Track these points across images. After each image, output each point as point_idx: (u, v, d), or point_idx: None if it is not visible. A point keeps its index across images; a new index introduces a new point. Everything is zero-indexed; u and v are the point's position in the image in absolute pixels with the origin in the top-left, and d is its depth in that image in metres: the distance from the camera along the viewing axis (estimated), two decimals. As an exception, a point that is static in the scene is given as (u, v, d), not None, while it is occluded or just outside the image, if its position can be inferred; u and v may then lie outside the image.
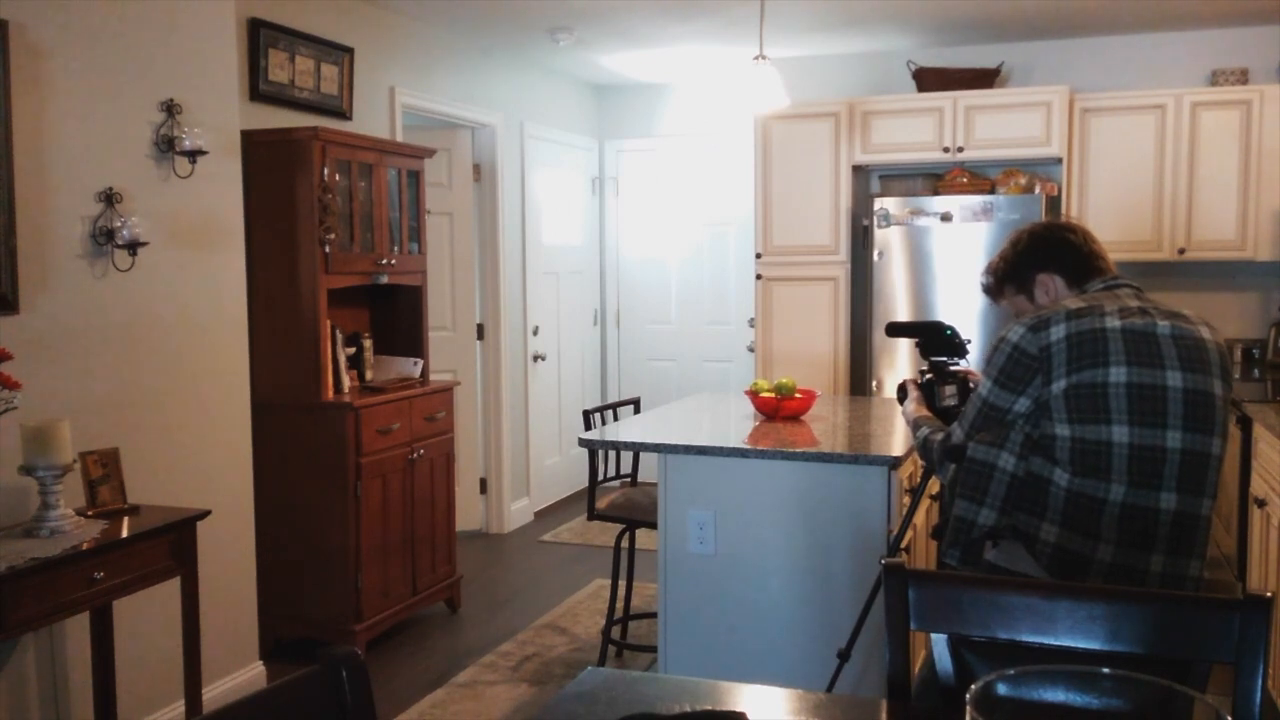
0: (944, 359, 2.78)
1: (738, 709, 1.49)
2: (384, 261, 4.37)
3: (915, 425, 2.52)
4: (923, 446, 2.42)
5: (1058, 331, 2.09)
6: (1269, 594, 1.48)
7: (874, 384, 5.52)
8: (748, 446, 3.22)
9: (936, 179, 5.61)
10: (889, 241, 5.40)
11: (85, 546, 2.67)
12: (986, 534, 2.12)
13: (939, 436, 2.35)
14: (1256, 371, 5.20)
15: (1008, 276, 2.41)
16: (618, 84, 6.97)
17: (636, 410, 4.41)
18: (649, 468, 3.95)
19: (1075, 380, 2.04)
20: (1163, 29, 5.54)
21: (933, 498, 2.96)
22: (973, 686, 0.95)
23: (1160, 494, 2.01)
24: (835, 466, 3.12)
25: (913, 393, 2.66)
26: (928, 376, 2.77)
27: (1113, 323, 2.09)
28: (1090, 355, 2.05)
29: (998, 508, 2.12)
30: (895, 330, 3.10)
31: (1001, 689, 0.98)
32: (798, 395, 3.69)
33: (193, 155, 3.37)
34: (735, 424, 3.77)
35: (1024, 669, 1.00)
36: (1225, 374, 2.10)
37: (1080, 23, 5.40)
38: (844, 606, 3.10)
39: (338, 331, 4.27)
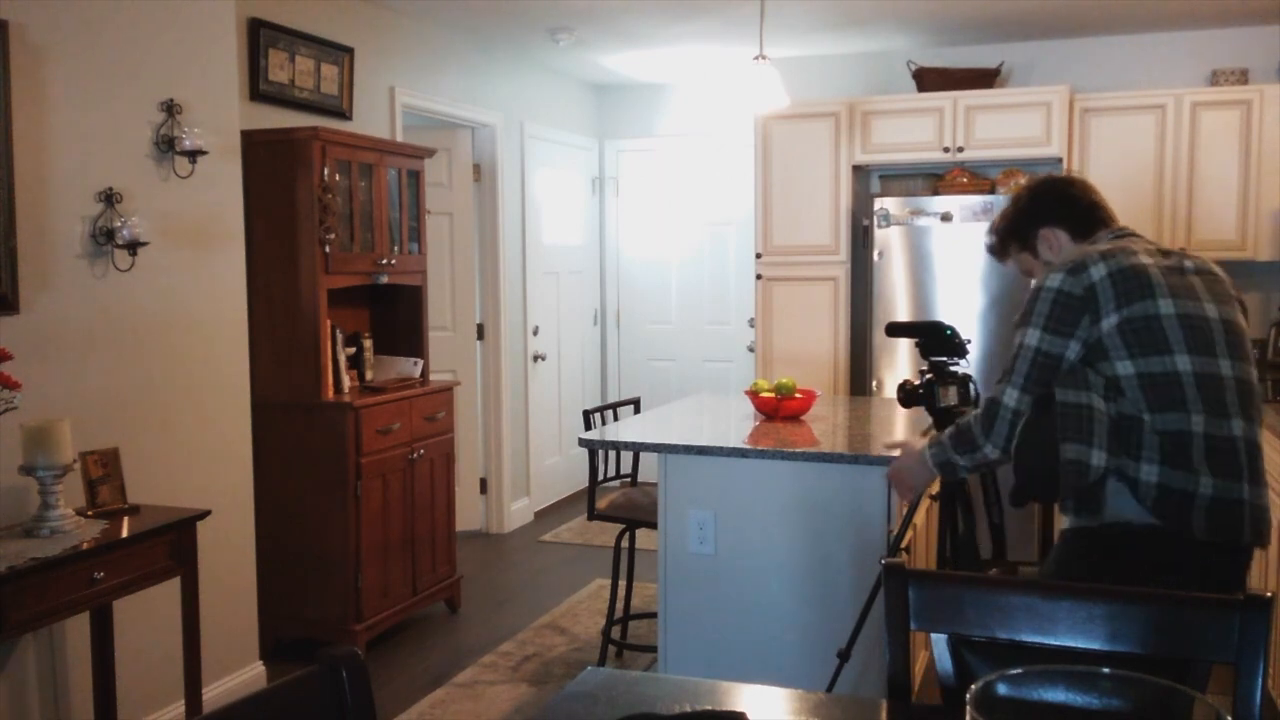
0: (944, 359, 2.78)
1: (738, 709, 1.49)
2: (384, 261, 4.37)
3: (932, 456, 2.31)
4: (954, 439, 2.23)
5: (1098, 271, 2.06)
6: (1269, 594, 1.48)
7: (874, 384, 5.52)
8: (748, 446, 3.22)
9: (936, 179, 5.61)
10: (889, 241, 5.40)
11: (85, 546, 2.67)
12: (1101, 478, 2.00)
13: (957, 426, 2.23)
14: (1256, 372, 5.20)
15: (1011, 233, 2.38)
16: (618, 84, 6.98)
17: (636, 410, 4.41)
18: (649, 468, 3.95)
19: (1127, 314, 2.02)
20: (1163, 29, 5.54)
21: (932, 498, 2.96)
22: (973, 686, 0.95)
23: (1231, 421, 2.00)
24: (835, 466, 3.11)
25: (907, 444, 2.52)
26: (928, 376, 2.77)
27: (1146, 259, 2.10)
28: (1137, 289, 2.04)
29: (1106, 448, 1.99)
30: (895, 330, 3.10)
31: (1001, 689, 0.98)
32: (798, 395, 3.69)
33: (193, 155, 3.37)
34: (735, 424, 3.77)
35: (1024, 669, 1.00)
36: (1242, 306, 2.18)
37: (1080, 23, 5.40)
38: (844, 606, 3.10)
39: (338, 331, 4.27)
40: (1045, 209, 2.32)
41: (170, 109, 3.34)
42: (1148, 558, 1.98)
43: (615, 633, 4.16)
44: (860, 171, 5.78)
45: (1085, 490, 2.00)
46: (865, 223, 5.60)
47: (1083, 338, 2.05)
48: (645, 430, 3.53)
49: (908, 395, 2.80)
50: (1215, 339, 2.04)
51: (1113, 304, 2.03)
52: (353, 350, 4.48)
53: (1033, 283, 2.19)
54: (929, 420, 2.95)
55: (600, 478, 4.03)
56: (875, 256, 5.44)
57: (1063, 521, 2.15)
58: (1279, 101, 5.10)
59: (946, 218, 5.28)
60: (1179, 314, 2.03)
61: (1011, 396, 2.11)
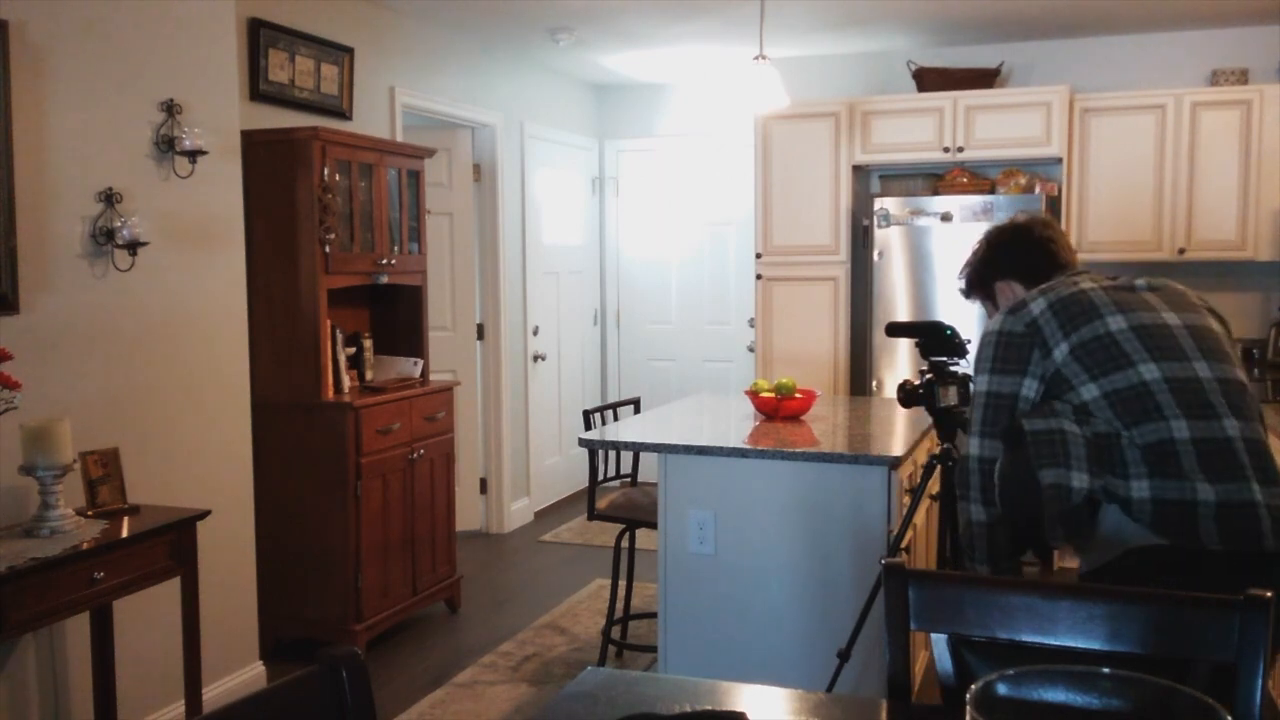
0: (944, 359, 2.79)
1: (738, 709, 1.49)
2: (384, 261, 4.37)
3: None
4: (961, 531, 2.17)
5: (1038, 306, 2.07)
6: (1268, 594, 1.48)
7: (874, 384, 5.52)
8: (748, 446, 3.22)
9: (936, 179, 5.61)
10: (889, 241, 5.40)
11: (85, 546, 2.67)
12: (1086, 500, 1.91)
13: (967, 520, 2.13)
14: (1257, 371, 5.20)
15: (973, 283, 2.43)
16: (618, 84, 6.98)
17: (636, 410, 4.41)
18: (649, 468, 3.95)
19: (1077, 340, 2.00)
20: (1163, 29, 5.54)
21: (933, 498, 2.96)
22: (973, 686, 0.95)
23: (1222, 422, 1.91)
24: (835, 466, 3.11)
25: None
26: (927, 376, 2.78)
27: (1089, 284, 2.10)
28: (1082, 313, 2.03)
29: (1086, 469, 1.91)
30: (895, 330, 3.10)
31: (1001, 689, 0.98)
32: (798, 395, 3.69)
33: (193, 155, 3.37)
34: (735, 424, 3.77)
35: (1024, 669, 1.00)
36: (1214, 312, 2.12)
37: (1080, 23, 5.40)
38: (844, 606, 3.10)
39: (338, 331, 4.27)
40: (1000, 262, 2.35)
41: (170, 109, 3.34)
42: (1167, 579, 1.85)
43: (615, 633, 4.16)
44: (860, 171, 5.78)
45: (1070, 514, 1.92)
46: (865, 223, 5.60)
47: (1038, 374, 2.03)
48: (645, 430, 3.53)
49: (908, 395, 2.80)
50: (1181, 344, 2.00)
51: (1059, 333, 2.02)
52: (353, 350, 4.48)
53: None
54: (929, 420, 2.95)
55: (600, 478, 4.03)
56: (875, 256, 5.44)
57: (1075, 566, 2.06)
58: (1279, 101, 5.10)
59: (946, 218, 5.28)
60: (1132, 326, 2.00)
61: (974, 445, 2.09)
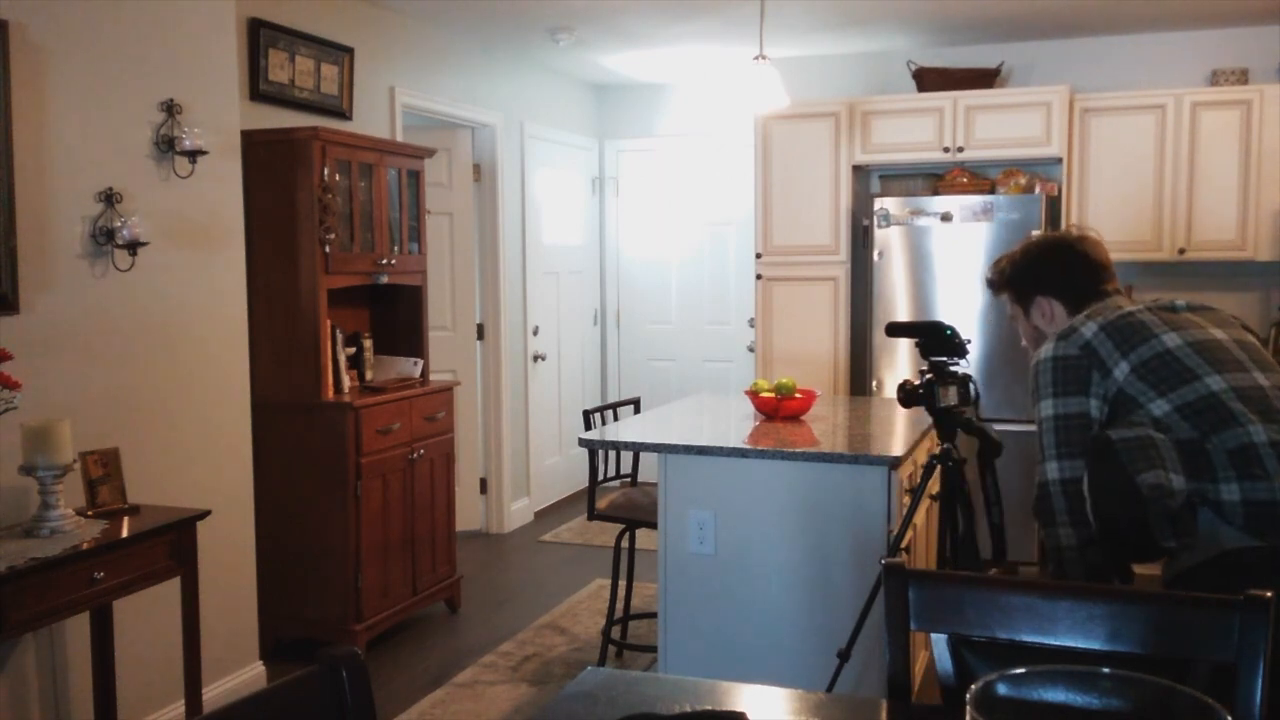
0: (944, 359, 2.79)
1: (738, 709, 1.49)
2: (384, 261, 4.37)
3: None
4: (1051, 560, 2.11)
5: (1089, 329, 2.09)
6: (1268, 594, 1.48)
7: (874, 384, 5.52)
8: (748, 446, 3.22)
9: (936, 179, 5.61)
10: (889, 241, 5.39)
11: (85, 546, 2.67)
12: (1186, 502, 1.91)
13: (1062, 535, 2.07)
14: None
15: (1010, 285, 2.40)
16: (618, 84, 6.98)
17: (636, 410, 4.41)
18: (649, 468, 3.95)
19: (1136, 359, 2.02)
20: (1163, 29, 5.54)
21: (933, 498, 2.96)
22: (973, 686, 0.95)
23: None
24: (835, 466, 3.12)
25: None
26: (927, 376, 2.78)
27: (1132, 307, 2.13)
28: (1135, 333, 2.05)
29: (1181, 472, 1.92)
30: (895, 330, 3.10)
31: (1001, 689, 0.98)
32: (798, 395, 3.69)
33: (193, 155, 3.37)
34: (735, 424, 3.77)
35: (1024, 669, 1.00)
36: (1248, 328, 2.17)
37: (1080, 23, 5.40)
38: (844, 606, 3.10)
39: (338, 331, 4.27)
40: (1046, 278, 2.33)
41: (170, 109, 3.34)
42: (1260, 579, 1.78)
43: (615, 633, 4.16)
44: (860, 171, 5.78)
45: (1177, 513, 1.91)
46: (865, 223, 5.60)
47: (1100, 394, 2.03)
48: (645, 430, 3.53)
49: (908, 395, 2.80)
50: (1237, 356, 2.04)
51: (1117, 353, 2.03)
52: (353, 350, 4.48)
53: (1031, 360, 2.18)
54: (929, 420, 2.95)
55: (600, 478, 4.03)
56: (875, 256, 5.44)
57: (1161, 570, 2.04)
58: (1279, 101, 5.10)
59: (946, 218, 5.27)
60: (1188, 342, 2.03)
61: (1051, 469, 2.05)
